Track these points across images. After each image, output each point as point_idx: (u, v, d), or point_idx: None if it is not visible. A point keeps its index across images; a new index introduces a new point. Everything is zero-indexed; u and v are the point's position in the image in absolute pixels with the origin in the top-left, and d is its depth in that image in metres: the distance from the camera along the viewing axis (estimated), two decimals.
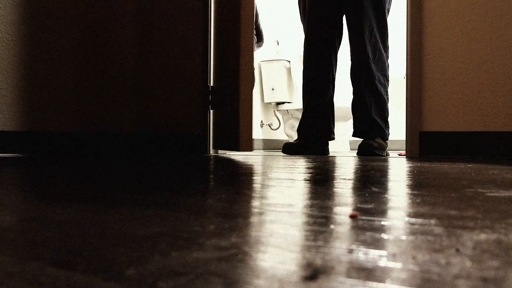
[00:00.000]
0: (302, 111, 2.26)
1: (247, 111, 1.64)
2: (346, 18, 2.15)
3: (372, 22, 2.04)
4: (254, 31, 2.86)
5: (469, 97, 1.85)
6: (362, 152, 1.99)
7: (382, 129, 2.06)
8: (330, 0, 2.11)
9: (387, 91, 2.10)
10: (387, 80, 2.10)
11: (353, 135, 2.13)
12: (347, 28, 2.14)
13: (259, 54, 3.63)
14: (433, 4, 1.90)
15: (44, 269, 0.22)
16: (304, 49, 2.22)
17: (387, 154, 2.08)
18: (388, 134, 2.11)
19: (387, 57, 2.11)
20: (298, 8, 2.35)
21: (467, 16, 1.86)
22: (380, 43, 2.06)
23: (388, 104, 2.12)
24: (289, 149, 2.18)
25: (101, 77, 1.98)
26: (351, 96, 2.17)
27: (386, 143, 2.10)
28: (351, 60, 2.13)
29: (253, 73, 2.58)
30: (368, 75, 2.04)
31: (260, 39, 2.98)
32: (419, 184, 0.65)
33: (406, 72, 1.96)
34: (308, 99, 2.20)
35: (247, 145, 1.62)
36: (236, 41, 1.67)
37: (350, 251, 0.25)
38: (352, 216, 0.37)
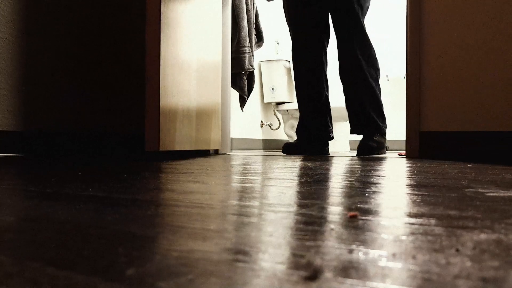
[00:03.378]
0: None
1: (153, 110, 1.65)
2: (331, 15, 2.11)
3: (358, 20, 2.02)
4: (254, 31, 2.85)
5: (469, 97, 1.85)
6: (362, 153, 1.99)
7: (378, 125, 2.04)
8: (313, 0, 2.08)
9: (378, 82, 2.07)
10: (378, 71, 2.07)
11: (351, 133, 2.12)
12: (333, 26, 2.11)
13: (259, 54, 3.63)
14: (432, 4, 1.90)
15: (44, 269, 0.22)
16: (292, 51, 2.19)
17: (387, 148, 2.07)
18: (385, 127, 2.09)
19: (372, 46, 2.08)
20: (283, 11, 2.29)
21: (467, 16, 1.86)
22: (367, 36, 2.04)
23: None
24: (289, 149, 2.17)
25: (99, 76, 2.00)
26: None
27: (385, 137, 2.08)
28: (340, 59, 2.10)
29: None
30: (360, 73, 2.01)
31: (260, 39, 2.98)
32: (419, 184, 0.65)
33: (406, 72, 1.96)
34: (303, 101, 2.18)
35: (153, 145, 1.63)
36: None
37: (350, 251, 0.25)
38: (352, 216, 0.37)
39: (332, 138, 2.19)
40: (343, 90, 2.12)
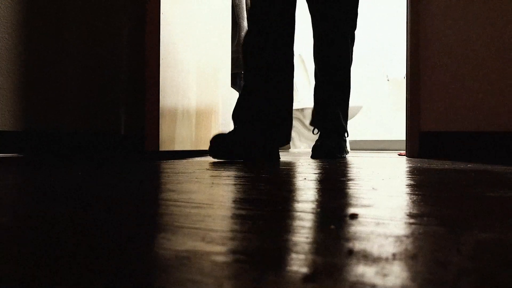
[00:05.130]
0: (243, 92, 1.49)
1: (153, 110, 1.66)
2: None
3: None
4: None
5: (469, 97, 1.85)
6: (319, 155, 1.66)
7: (342, 125, 1.79)
8: None
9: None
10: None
11: (312, 124, 1.81)
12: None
13: None
14: (432, 4, 1.90)
15: (41, 269, 0.22)
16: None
17: (347, 152, 1.80)
18: (347, 130, 1.84)
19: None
20: None
21: (467, 16, 1.86)
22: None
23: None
24: (219, 147, 1.29)
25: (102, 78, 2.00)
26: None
27: (346, 140, 1.81)
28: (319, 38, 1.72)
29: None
30: (346, 58, 1.71)
31: None
32: (419, 184, 0.65)
33: (406, 72, 1.96)
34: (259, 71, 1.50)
35: (152, 144, 1.65)
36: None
37: (350, 251, 0.25)
38: (352, 216, 0.37)
39: (287, 135, 1.52)
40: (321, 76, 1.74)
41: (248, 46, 1.48)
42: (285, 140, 1.48)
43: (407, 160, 1.59)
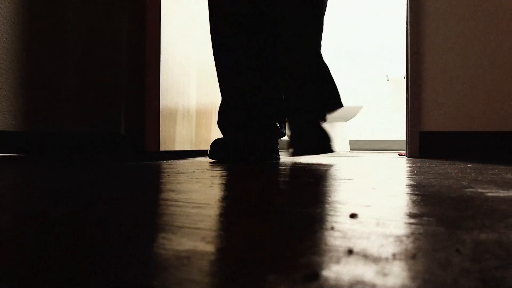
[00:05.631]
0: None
1: (153, 110, 1.67)
2: None
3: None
4: None
5: (469, 97, 1.85)
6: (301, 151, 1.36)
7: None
8: None
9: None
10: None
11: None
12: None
13: None
14: (432, 5, 1.90)
15: (40, 270, 0.22)
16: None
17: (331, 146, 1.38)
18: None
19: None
20: None
21: (467, 16, 1.86)
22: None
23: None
24: (218, 151, 1.32)
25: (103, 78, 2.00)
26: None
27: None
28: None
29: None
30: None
31: None
32: (419, 184, 0.65)
33: (406, 72, 1.96)
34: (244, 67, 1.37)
35: (153, 145, 1.65)
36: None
37: (350, 251, 0.25)
38: (352, 216, 0.37)
39: (284, 134, 1.40)
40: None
41: (222, 79, 1.38)
42: (284, 133, 1.41)
43: (407, 160, 1.59)
